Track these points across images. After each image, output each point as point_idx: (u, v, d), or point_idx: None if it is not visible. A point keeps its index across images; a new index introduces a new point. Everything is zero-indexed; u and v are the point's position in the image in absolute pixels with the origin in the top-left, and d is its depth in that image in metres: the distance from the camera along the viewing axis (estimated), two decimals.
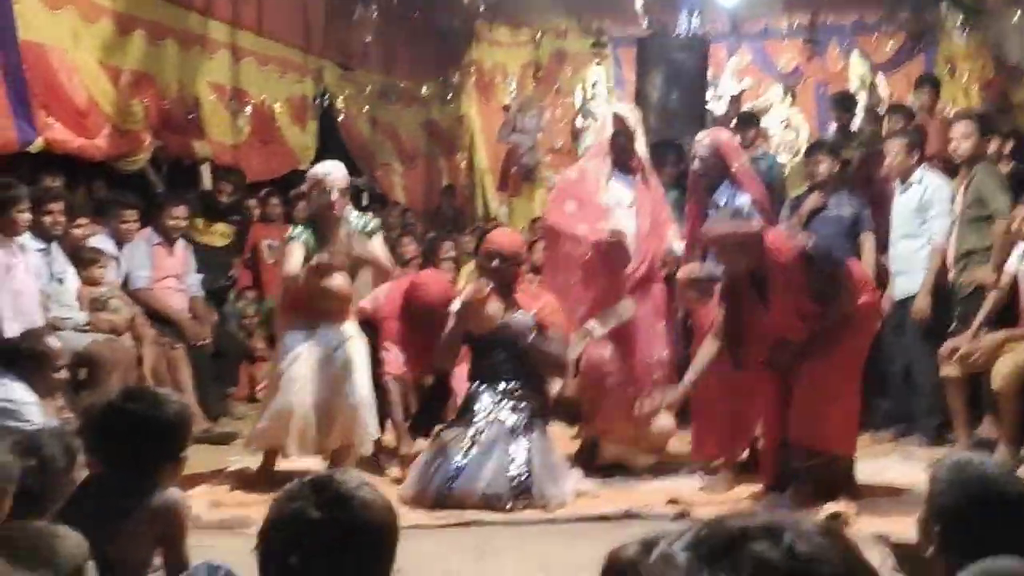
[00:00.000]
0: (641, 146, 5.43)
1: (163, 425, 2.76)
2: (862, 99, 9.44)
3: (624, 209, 5.34)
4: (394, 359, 5.42)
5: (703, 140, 5.33)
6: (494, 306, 4.88)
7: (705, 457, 5.25)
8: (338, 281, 5.01)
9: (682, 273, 4.99)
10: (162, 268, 6.48)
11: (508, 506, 4.63)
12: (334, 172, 5.11)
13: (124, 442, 2.75)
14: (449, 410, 5.47)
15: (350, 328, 5.14)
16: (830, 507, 4.45)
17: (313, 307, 5.01)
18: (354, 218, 5.19)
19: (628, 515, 4.56)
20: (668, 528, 1.69)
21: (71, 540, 2.22)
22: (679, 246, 5.38)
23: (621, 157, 5.38)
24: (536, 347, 4.90)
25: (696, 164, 5.24)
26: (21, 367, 4.28)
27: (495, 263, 5.00)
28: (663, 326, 5.37)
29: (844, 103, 8.36)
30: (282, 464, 5.08)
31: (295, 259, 4.94)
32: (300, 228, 5.13)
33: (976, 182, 5.80)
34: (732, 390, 4.98)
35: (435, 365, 5.38)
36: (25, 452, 2.87)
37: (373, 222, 5.29)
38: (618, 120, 5.43)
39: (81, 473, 2.99)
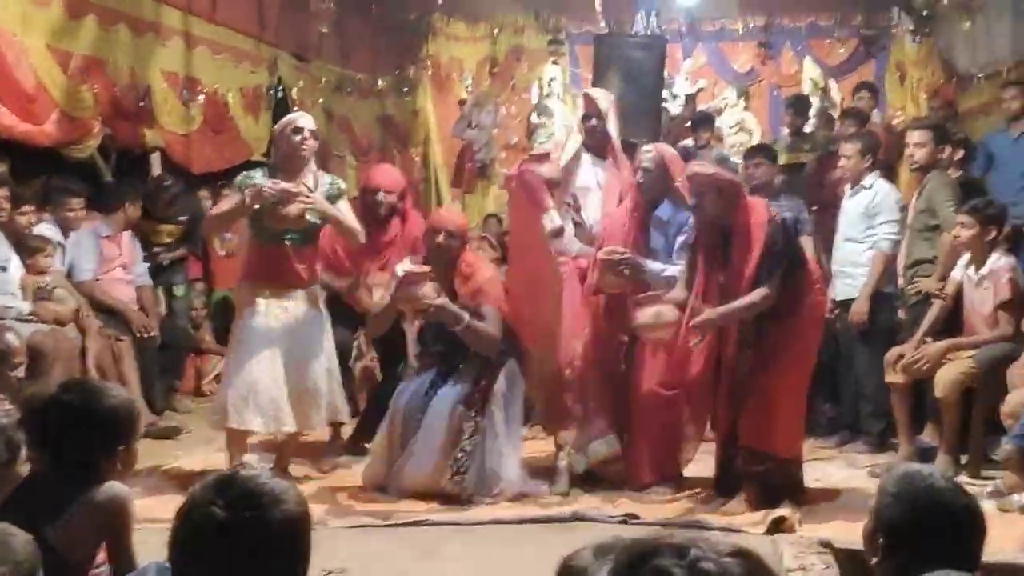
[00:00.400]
0: (614, 130, 5.42)
1: (104, 417, 2.69)
2: (815, 103, 9.53)
3: (594, 191, 5.35)
4: None
5: (649, 152, 5.13)
6: (428, 289, 4.82)
7: (642, 484, 5.01)
8: (294, 210, 4.79)
9: (602, 254, 4.94)
10: (109, 259, 6.38)
11: (448, 487, 4.75)
12: (305, 118, 5.08)
13: (65, 434, 2.68)
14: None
15: (313, 298, 5.09)
16: (777, 511, 4.49)
17: (273, 269, 4.93)
18: (324, 181, 5.07)
19: (576, 517, 4.58)
20: (619, 533, 1.71)
21: (22, 538, 2.16)
22: None
23: (592, 139, 5.40)
24: (467, 332, 4.87)
25: (639, 175, 5.09)
26: None
27: (440, 239, 4.97)
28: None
29: (798, 106, 8.45)
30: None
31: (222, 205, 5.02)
32: (256, 172, 5.04)
33: (928, 191, 5.89)
34: (666, 404, 4.97)
35: (370, 333, 5.61)
36: None
37: (339, 183, 5.16)
38: (589, 101, 5.47)
39: (24, 468, 2.94)
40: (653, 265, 4.97)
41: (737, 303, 4.57)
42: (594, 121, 5.38)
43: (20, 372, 4.52)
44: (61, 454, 2.69)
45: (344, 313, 5.70)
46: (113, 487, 2.66)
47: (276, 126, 5.21)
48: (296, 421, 4.95)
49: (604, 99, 5.48)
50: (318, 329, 5.08)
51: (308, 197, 4.80)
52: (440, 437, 4.82)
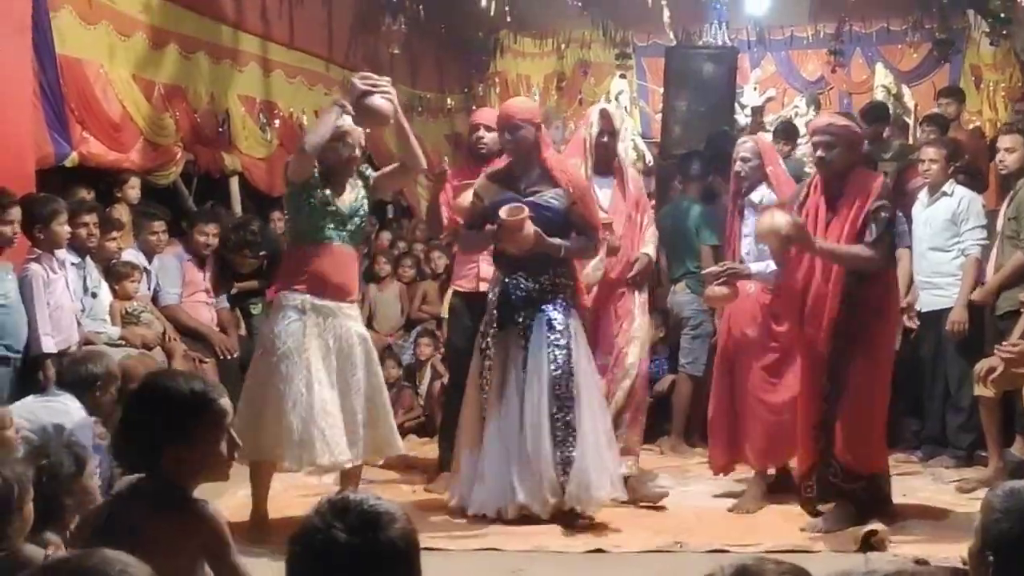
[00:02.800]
0: (621, 147, 5.48)
1: (164, 401, 2.45)
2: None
3: (601, 211, 5.30)
4: None
5: (746, 143, 5.43)
6: (528, 229, 4.73)
7: (723, 468, 5.33)
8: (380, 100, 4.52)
9: (709, 269, 5.15)
10: (193, 283, 6.50)
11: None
12: (356, 127, 4.72)
13: (128, 421, 2.53)
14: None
15: (357, 313, 4.75)
16: (868, 526, 4.43)
17: (319, 274, 4.57)
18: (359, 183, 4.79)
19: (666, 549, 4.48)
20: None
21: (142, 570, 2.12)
22: (652, 250, 5.51)
23: (603, 157, 5.37)
24: (568, 255, 4.84)
25: (738, 166, 5.29)
26: (82, 388, 4.33)
27: (510, 135, 4.86)
28: (619, 326, 5.35)
29: (876, 114, 8.32)
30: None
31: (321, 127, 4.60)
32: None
33: (1019, 197, 5.75)
34: (771, 401, 5.09)
35: (461, 246, 5.35)
36: (33, 460, 2.91)
37: (367, 173, 4.86)
38: (606, 119, 5.42)
39: (92, 481, 3.01)
40: (757, 266, 5.08)
41: (843, 247, 4.56)
42: (607, 138, 5.36)
43: (113, 395, 4.62)
44: (130, 447, 2.53)
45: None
46: (204, 504, 2.48)
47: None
48: (350, 453, 4.51)
49: (619, 118, 5.58)
50: (368, 346, 4.69)
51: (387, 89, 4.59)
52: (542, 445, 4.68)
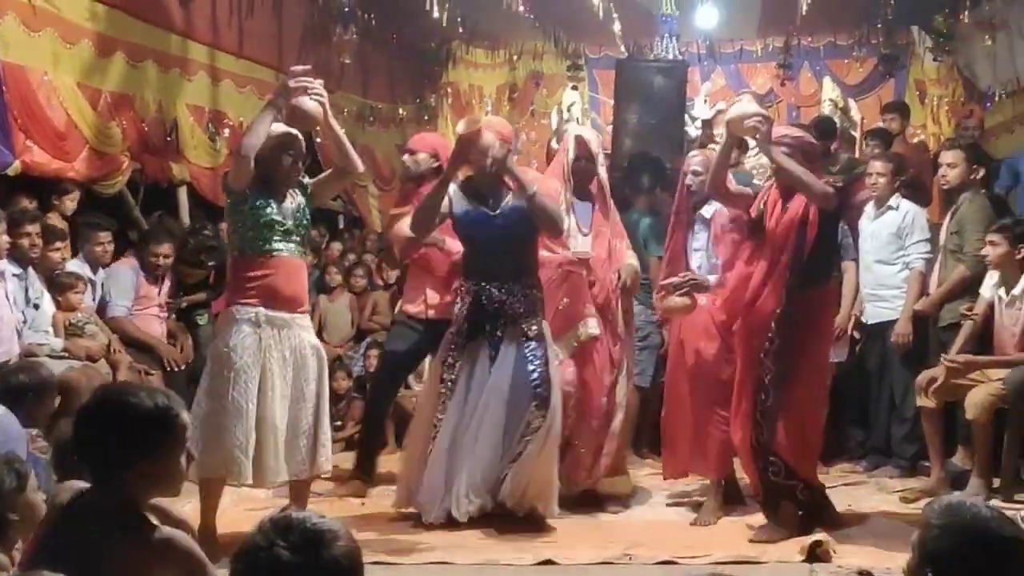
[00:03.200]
0: (602, 171, 5.46)
1: (125, 419, 2.38)
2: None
3: (582, 236, 5.37)
4: None
5: (696, 157, 5.46)
6: (489, 136, 4.79)
7: (679, 474, 5.38)
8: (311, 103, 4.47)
9: (663, 282, 5.17)
10: (147, 298, 6.41)
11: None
12: (300, 135, 4.64)
13: (85, 440, 2.43)
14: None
15: (309, 324, 4.68)
16: (814, 535, 4.48)
17: (270, 286, 4.46)
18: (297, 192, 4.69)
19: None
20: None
21: None
22: (635, 260, 5.55)
23: (582, 182, 5.38)
24: (534, 202, 4.83)
25: (689, 179, 5.32)
26: (16, 399, 4.24)
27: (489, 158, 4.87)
28: (616, 350, 5.40)
29: (823, 128, 8.41)
30: None
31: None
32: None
33: (961, 213, 5.86)
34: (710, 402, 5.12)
35: (414, 230, 5.16)
36: None
37: (306, 183, 4.75)
38: (581, 144, 5.42)
39: (35, 496, 2.96)
40: (713, 277, 5.18)
41: (801, 171, 4.63)
42: (584, 163, 5.38)
43: (53, 407, 4.54)
44: (85, 462, 2.45)
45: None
46: (169, 533, 2.39)
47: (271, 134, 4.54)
48: (294, 468, 4.48)
49: (595, 141, 5.54)
50: (321, 356, 4.64)
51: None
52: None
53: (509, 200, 4.92)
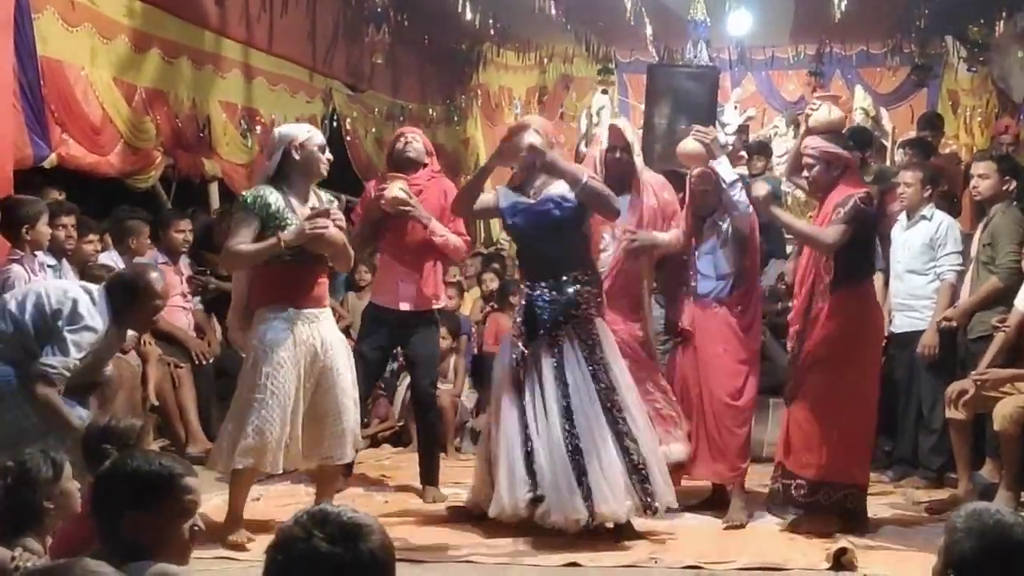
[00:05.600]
0: (639, 161, 5.26)
1: (134, 472, 2.35)
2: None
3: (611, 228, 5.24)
4: None
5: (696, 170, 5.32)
6: (533, 136, 4.73)
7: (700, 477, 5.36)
8: (333, 231, 4.48)
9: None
10: (170, 286, 6.46)
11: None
12: (315, 132, 4.67)
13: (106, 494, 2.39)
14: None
15: (330, 319, 4.73)
16: (837, 544, 4.46)
17: (297, 288, 4.55)
18: (324, 198, 4.71)
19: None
20: None
21: None
22: (666, 238, 5.25)
23: (616, 174, 5.17)
24: (586, 189, 4.69)
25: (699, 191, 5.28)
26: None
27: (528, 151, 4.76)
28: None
29: (858, 138, 8.35)
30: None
31: (243, 234, 4.44)
32: (263, 188, 4.51)
33: (993, 225, 5.81)
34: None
35: (456, 210, 5.23)
36: (9, 469, 2.93)
37: (334, 199, 4.80)
38: (616, 133, 5.25)
39: (70, 485, 3.00)
40: (713, 284, 5.22)
41: (803, 224, 4.94)
42: (619, 153, 5.21)
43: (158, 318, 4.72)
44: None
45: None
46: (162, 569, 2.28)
47: (282, 137, 4.60)
48: (323, 453, 4.64)
49: (630, 130, 5.38)
50: (348, 349, 4.78)
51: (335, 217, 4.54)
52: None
53: (549, 188, 4.81)
